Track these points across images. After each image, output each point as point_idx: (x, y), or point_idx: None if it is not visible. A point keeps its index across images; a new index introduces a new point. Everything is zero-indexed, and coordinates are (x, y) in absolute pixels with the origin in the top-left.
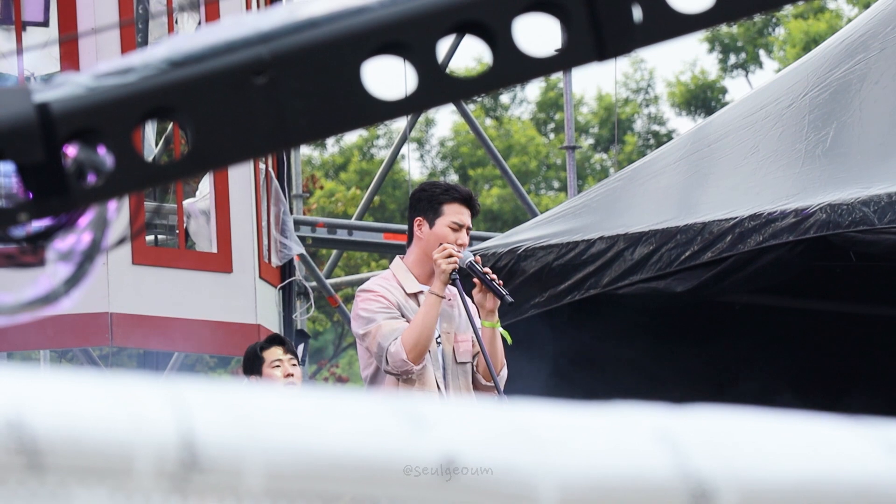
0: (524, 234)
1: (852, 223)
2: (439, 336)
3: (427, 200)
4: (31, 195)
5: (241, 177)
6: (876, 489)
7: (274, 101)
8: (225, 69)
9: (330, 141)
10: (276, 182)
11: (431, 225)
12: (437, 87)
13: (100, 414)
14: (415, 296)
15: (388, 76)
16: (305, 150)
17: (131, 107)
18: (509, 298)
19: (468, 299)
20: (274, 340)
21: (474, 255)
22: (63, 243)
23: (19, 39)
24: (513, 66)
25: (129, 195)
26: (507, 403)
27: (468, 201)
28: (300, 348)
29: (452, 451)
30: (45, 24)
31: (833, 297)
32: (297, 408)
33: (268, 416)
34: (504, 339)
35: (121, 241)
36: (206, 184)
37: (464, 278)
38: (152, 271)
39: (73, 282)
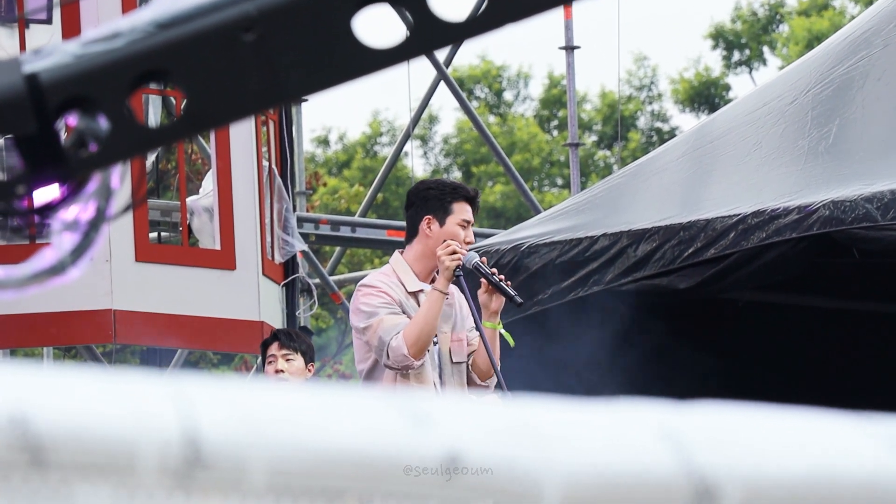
0: (527, 231)
1: (855, 220)
2: (436, 335)
3: (437, 199)
4: (27, 167)
5: (245, 174)
6: (879, 486)
7: (264, 57)
8: (212, 28)
9: (333, 138)
10: (279, 179)
11: (442, 223)
12: (429, 32)
13: (103, 410)
14: (415, 294)
15: (380, 26)
16: (309, 148)
17: (121, 72)
18: (519, 299)
19: (469, 296)
20: (273, 336)
21: (479, 255)
22: (68, 213)
23: (22, 37)
24: (506, 5)
25: (127, 160)
26: (509, 400)
27: (474, 200)
28: None
29: (456, 447)
30: (49, 21)
31: (836, 293)
32: (300, 404)
33: (271, 413)
34: (506, 342)
35: (125, 209)
36: (209, 181)
37: (467, 276)
38: (155, 268)
39: (79, 251)
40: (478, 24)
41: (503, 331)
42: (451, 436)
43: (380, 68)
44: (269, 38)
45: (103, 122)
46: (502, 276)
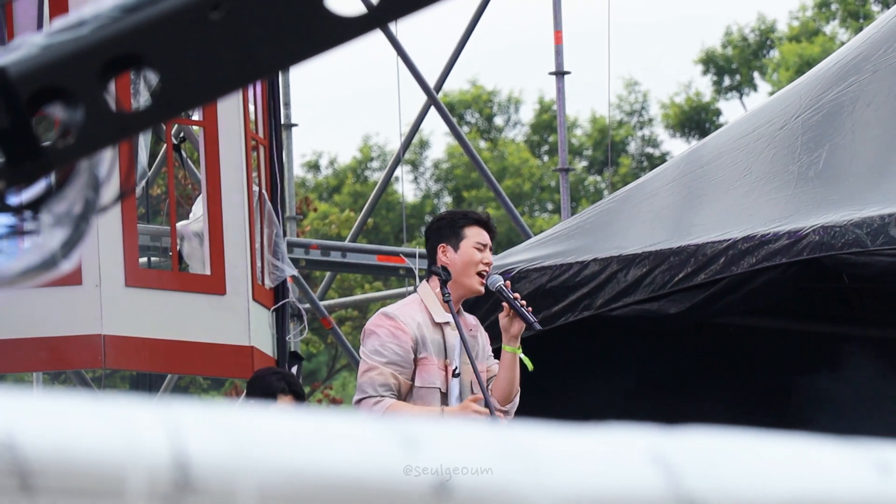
0: (518, 256)
1: (845, 245)
2: (457, 368)
3: (448, 227)
4: (4, 162)
5: (235, 199)
6: None
7: (234, 34)
8: (178, 8)
9: (324, 163)
10: (269, 204)
11: (457, 249)
12: None
13: (92, 435)
14: (440, 326)
15: None
16: (299, 172)
17: (89, 59)
18: (538, 326)
19: (465, 331)
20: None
21: (504, 279)
22: (57, 207)
23: None
24: None
25: (107, 148)
26: (501, 424)
27: (486, 223)
28: (294, 370)
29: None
30: None
31: (826, 318)
32: (290, 429)
33: (261, 437)
34: (525, 366)
35: (115, 200)
36: (199, 206)
37: (486, 300)
38: (145, 293)
39: (70, 245)
40: None
41: (522, 355)
42: (441, 460)
43: (354, 37)
44: (236, 14)
45: (78, 112)
46: (524, 302)
